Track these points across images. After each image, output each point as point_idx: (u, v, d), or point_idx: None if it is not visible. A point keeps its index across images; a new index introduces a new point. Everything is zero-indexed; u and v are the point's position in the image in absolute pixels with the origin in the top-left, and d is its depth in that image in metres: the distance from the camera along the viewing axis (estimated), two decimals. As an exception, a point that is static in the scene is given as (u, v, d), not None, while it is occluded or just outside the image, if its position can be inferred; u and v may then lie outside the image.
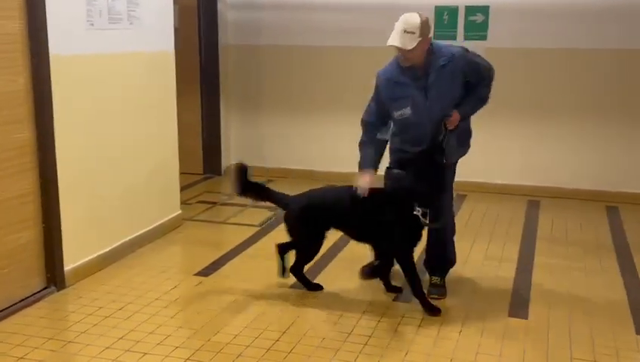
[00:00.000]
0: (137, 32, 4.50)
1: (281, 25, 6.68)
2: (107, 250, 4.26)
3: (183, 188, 5.48)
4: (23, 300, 3.67)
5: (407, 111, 3.60)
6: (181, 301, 3.84)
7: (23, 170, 3.67)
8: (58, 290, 3.88)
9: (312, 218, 3.80)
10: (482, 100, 3.75)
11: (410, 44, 3.40)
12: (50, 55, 3.69)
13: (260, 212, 5.64)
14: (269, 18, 6.72)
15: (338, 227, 3.86)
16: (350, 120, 6.67)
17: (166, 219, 5.01)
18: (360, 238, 3.90)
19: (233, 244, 4.79)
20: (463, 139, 3.84)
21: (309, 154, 6.82)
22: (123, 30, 4.35)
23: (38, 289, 3.81)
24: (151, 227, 4.79)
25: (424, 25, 3.44)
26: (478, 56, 3.76)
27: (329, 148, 6.74)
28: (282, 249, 3.92)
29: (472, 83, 3.66)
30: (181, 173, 5.31)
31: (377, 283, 3.87)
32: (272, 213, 5.60)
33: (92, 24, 4.02)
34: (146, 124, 4.70)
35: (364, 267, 3.78)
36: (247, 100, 6.97)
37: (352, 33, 6.41)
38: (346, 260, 4.39)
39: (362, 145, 3.83)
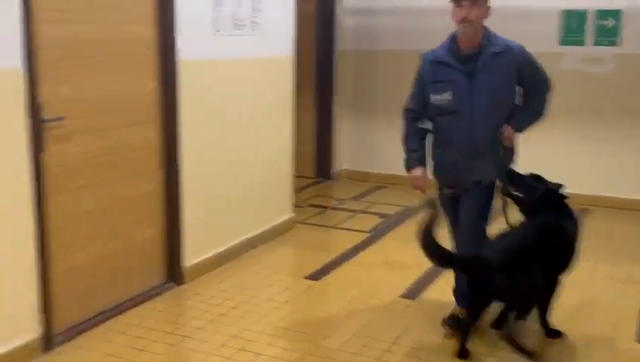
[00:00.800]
0: (260, 38, 4.63)
1: (397, 30, 6.67)
2: (223, 249, 4.41)
3: (296, 191, 5.58)
4: (144, 293, 3.86)
5: (446, 96, 3.26)
6: (292, 303, 3.92)
7: (150, 169, 3.88)
8: (177, 286, 4.05)
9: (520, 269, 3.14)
10: (538, 114, 3.37)
11: None
12: (178, 60, 3.87)
13: (370, 218, 5.67)
14: (385, 23, 6.73)
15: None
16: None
17: (279, 221, 5.11)
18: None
19: (343, 249, 4.82)
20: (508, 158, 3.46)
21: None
22: (246, 36, 4.49)
23: (159, 284, 4.00)
24: (265, 228, 4.90)
25: None
26: (537, 61, 3.38)
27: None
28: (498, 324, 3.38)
29: (526, 88, 3.31)
30: (295, 176, 5.41)
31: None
32: (382, 219, 5.62)
33: (218, 30, 4.17)
34: (265, 128, 4.83)
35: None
36: (360, 105, 7.01)
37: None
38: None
39: (406, 139, 3.51)
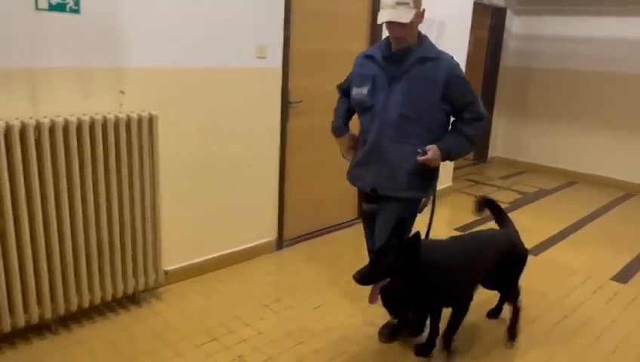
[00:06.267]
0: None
1: (550, 52, 6.22)
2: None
3: (456, 168, 5.53)
4: (341, 223, 4.09)
5: (363, 91, 2.26)
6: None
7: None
8: (363, 221, 4.28)
9: None
10: (469, 140, 2.22)
11: (407, 16, 2.10)
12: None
13: (512, 194, 5.45)
14: (541, 47, 6.29)
15: None
16: (598, 129, 6.00)
17: (440, 187, 4.97)
18: None
19: (486, 214, 4.70)
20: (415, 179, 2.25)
21: (558, 154, 6.30)
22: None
23: (351, 219, 4.20)
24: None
25: None
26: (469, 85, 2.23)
27: (575, 150, 6.14)
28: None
29: (456, 109, 2.20)
30: (456, 157, 5.37)
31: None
32: (520, 195, 5.37)
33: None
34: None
35: None
36: (514, 109, 6.66)
37: (605, 61, 5.73)
38: None
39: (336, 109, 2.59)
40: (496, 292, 2.76)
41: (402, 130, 2.20)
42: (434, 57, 2.17)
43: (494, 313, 2.86)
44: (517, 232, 2.64)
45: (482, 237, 2.49)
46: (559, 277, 3.42)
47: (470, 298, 2.34)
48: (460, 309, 2.35)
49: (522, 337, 2.69)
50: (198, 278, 3.13)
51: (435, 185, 2.36)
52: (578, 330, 2.78)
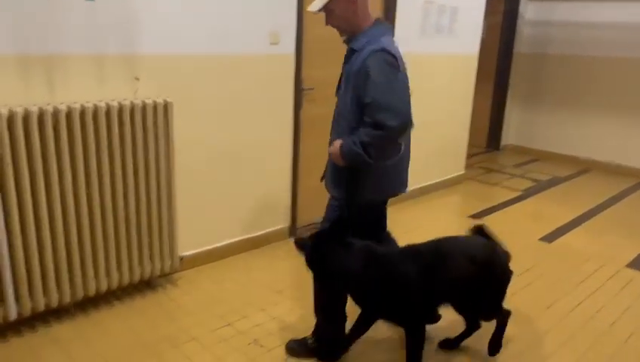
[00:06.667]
0: (454, 40, 4.58)
1: (565, 39, 6.11)
2: (413, 188, 4.52)
3: (469, 156, 5.49)
4: None
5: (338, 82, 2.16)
6: (454, 231, 3.94)
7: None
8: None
9: None
10: (362, 147, 1.86)
11: (315, 5, 1.95)
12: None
13: (525, 181, 5.40)
14: (556, 33, 6.18)
15: None
16: (612, 116, 5.91)
17: (453, 175, 5.10)
18: None
19: (500, 201, 4.70)
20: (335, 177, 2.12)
21: (572, 141, 6.21)
22: (444, 38, 4.47)
23: None
24: (441, 179, 4.94)
25: None
26: (391, 83, 1.84)
27: (589, 137, 6.06)
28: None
29: (362, 106, 1.88)
30: (470, 145, 5.32)
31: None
32: (534, 183, 5.32)
33: (424, 33, 4.22)
34: (448, 103, 4.77)
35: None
36: (528, 95, 6.58)
37: (620, 47, 5.62)
38: None
39: None
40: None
41: (339, 124, 2.04)
42: (357, 50, 1.94)
43: (453, 342, 2.39)
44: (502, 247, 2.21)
45: (450, 244, 2.11)
46: (573, 265, 3.40)
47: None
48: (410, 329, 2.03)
49: (537, 324, 2.68)
50: (212, 264, 3.15)
51: (355, 192, 2.05)
52: (592, 317, 2.76)
